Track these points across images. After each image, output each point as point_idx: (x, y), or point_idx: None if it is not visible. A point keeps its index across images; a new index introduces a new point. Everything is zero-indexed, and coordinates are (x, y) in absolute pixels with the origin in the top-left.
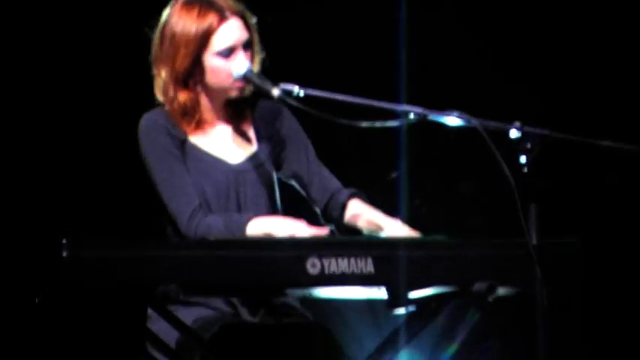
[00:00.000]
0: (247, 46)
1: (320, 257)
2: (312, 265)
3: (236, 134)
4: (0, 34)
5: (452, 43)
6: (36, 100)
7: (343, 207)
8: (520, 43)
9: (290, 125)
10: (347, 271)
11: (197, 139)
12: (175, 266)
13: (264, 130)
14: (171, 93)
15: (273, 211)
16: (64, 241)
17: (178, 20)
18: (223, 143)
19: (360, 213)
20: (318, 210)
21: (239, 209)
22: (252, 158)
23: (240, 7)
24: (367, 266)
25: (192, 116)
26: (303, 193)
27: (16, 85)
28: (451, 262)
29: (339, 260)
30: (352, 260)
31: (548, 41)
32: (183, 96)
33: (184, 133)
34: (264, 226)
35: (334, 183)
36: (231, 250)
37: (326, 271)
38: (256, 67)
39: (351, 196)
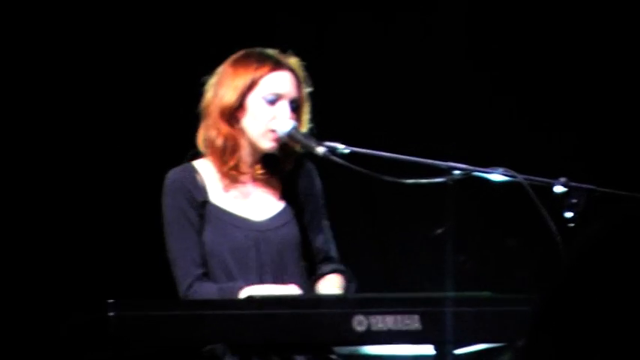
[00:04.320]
0: (295, 107)
1: (366, 314)
2: (359, 323)
3: (265, 191)
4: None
5: (496, 98)
6: (79, 167)
7: (321, 277)
8: (565, 98)
9: (315, 191)
10: (393, 328)
11: (220, 199)
12: (221, 325)
13: (293, 189)
14: (215, 130)
15: (297, 271)
16: (109, 302)
17: (235, 64)
18: (249, 200)
19: (326, 287)
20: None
21: (260, 269)
22: (278, 216)
23: (300, 68)
24: (414, 323)
25: (231, 156)
26: (301, 249)
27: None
28: (498, 318)
29: (386, 317)
30: (399, 317)
31: (592, 96)
32: (225, 130)
33: (206, 193)
34: (255, 293)
35: (327, 256)
36: (277, 308)
37: (372, 328)
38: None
39: (333, 271)
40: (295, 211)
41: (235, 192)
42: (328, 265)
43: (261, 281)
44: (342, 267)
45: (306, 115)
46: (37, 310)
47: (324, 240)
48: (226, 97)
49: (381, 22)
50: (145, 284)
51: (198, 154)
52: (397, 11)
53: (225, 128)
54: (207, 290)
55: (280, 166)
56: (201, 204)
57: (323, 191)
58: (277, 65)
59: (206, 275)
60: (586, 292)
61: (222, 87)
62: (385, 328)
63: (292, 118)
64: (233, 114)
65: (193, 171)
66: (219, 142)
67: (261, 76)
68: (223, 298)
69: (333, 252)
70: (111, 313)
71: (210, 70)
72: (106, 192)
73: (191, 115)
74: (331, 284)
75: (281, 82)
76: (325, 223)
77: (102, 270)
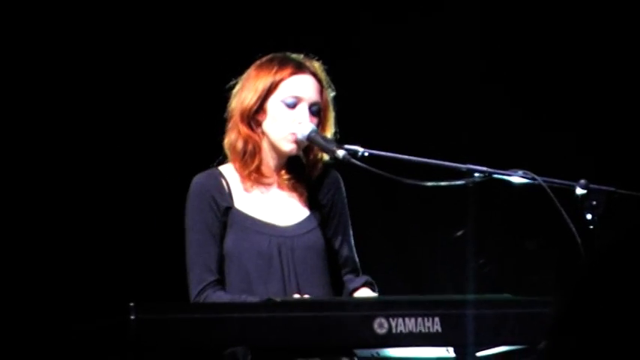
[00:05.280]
0: (316, 111)
1: (387, 317)
2: (380, 325)
3: (290, 197)
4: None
5: (516, 101)
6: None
7: (352, 292)
8: (584, 100)
9: (340, 201)
10: (414, 330)
11: (245, 205)
12: (243, 328)
13: (319, 198)
14: (235, 132)
15: (321, 277)
16: (131, 305)
17: (258, 69)
18: (275, 206)
19: None
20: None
21: (283, 275)
22: (303, 223)
23: (323, 73)
24: (434, 325)
25: (251, 158)
26: (325, 256)
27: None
28: (518, 320)
29: (407, 320)
30: (419, 320)
31: (612, 97)
32: (245, 132)
33: (231, 199)
34: None
35: (355, 267)
36: (298, 311)
37: (393, 331)
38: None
39: (362, 285)
40: (320, 219)
41: (260, 198)
42: (359, 279)
43: (285, 287)
44: (370, 279)
45: (330, 120)
46: (60, 313)
47: (351, 252)
48: (247, 100)
49: (399, 24)
50: (166, 287)
51: (225, 160)
52: (415, 14)
53: (245, 131)
54: (219, 299)
55: (306, 172)
56: (224, 210)
57: (347, 202)
58: (298, 69)
59: (220, 283)
60: (607, 294)
61: (244, 90)
62: (406, 331)
63: (313, 122)
64: (253, 117)
65: (219, 176)
66: (240, 144)
67: (281, 80)
68: None
69: (358, 264)
70: (132, 316)
71: (239, 74)
72: (131, 197)
73: (219, 120)
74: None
75: (301, 85)
76: (350, 234)
77: (124, 273)
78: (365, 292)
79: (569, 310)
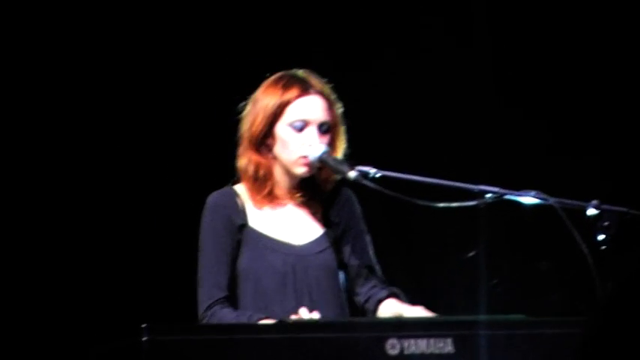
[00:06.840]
0: (325, 129)
1: (399, 338)
2: (392, 347)
3: (304, 216)
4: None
5: (527, 122)
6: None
7: (378, 304)
8: (595, 122)
9: (354, 216)
10: (427, 351)
11: (259, 223)
12: (254, 349)
13: (332, 216)
14: (246, 158)
15: (335, 296)
16: (143, 326)
17: (265, 90)
18: (289, 224)
19: (391, 310)
20: (357, 302)
21: (297, 293)
22: (317, 242)
23: (328, 90)
24: (447, 346)
25: (263, 184)
26: (347, 283)
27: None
28: (530, 341)
29: (419, 341)
30: (432, 341)
31: (622, 119)
32: (255, 159)
33: (245, 217)
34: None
35: (379, 280)
36: (310, 332)
37: (405, 352)
38: (338, 155)
39: (388, 296)
40: (334, 238)
41: (275, 216)
42: (384, 290)
43: (299, 306)
44: (396, 290)
45: (341, 136)
46: (73, 335)
47: (372, 264)
48: (254, 126)
49: (411, 45)
50: (179, 308)
51: (239, 179)
52: (428, 34)
53: (255, 157)
54: (225, 316)
55: (319, 189)
56: (239, 228)
57: (363, 217)
58: (304, 90)
59: (229, 300)
60: (636, 317)
61: (251, 114)
62: (418, 352)
63: (324, 141)
64: (263, 142)
65: (234, 194)
66: (251, 170)
67: (287, 103)
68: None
69: (382, 276)
70: (145, 337)
71: (254, 91)
72: (146, 218)
73: (232, 139)
74: (394, 308)
75: (308, 107)
76: (370, 247)
77: (137, 294)
78: (392, 304)
79: (597, 334)
